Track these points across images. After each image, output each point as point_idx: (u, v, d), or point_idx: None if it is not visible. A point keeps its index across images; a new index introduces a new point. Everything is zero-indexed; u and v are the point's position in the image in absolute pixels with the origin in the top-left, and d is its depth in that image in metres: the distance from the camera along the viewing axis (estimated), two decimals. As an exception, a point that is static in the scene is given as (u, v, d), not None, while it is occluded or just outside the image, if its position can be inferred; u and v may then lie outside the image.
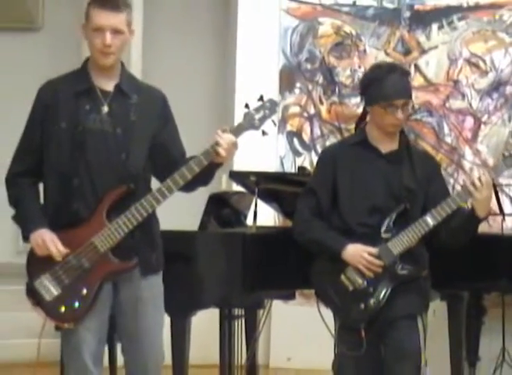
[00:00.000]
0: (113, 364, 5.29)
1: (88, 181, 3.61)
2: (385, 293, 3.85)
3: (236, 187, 6.14)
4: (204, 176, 3.69)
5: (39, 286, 3.62)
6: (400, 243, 3.86)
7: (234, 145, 3.62)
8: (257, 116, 3.66)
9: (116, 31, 3.64)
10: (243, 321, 6.17)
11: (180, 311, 4.82)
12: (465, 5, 7.20)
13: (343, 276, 3.92)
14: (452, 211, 3.84)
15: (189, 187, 3.73)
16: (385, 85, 3.93)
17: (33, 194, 3.74)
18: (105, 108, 3.65)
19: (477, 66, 7.18)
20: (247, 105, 3.68)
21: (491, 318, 6.40)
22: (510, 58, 7.13)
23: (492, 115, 7.14)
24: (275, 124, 3.73)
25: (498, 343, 6.04)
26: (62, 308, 3.61)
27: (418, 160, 4.02)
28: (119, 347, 3.95)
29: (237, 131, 3.66)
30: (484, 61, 7.18)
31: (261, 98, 3.70)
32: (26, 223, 3.70)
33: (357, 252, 3.87)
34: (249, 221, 5.68)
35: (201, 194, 5.63)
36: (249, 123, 3.66)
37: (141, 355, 3.77)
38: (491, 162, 7.05)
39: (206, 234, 5.30)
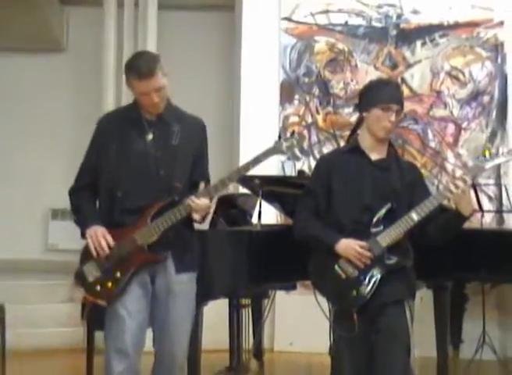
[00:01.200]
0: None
1: (129, 194, 3.83)
2: (375, 281, 3.87)
3: (242, 190, 6.16)
4: None
5: (85, 269, 3.86)
6: (387, 236, 3.88)
7: (206, 209, 3.83)
8: (285, 144, 3.87)
9: (157, 90, 3.81)
10: (250, 310, 6.19)
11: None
12: (446, 23, 7.21)
13: (336, 266, 3.94)
14: (434, 207, 3.85)
15: None
16: (383, 91, 3.99)
17: (91, 202, 3.97)
18: (150, 136, 3.86)
19: (457, 78, 7.18)
20: (279, 136, 3.93)
21: (472, 305, 6.43)
22: (487, 71, 7.14)
23: (472, 122, 7.15)
24: (299, 156, 3.98)
25: (479, 327, 6.05)
26: (98, 287, 3.83)
27: (405, 168, 4.06)
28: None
29: (266, 154, 3.84)
30: (463, 73, 7.19)
31: (292, 133, 3.94)
32: (83, 222, 3.92)
33: (348, 245, 3.89)
34: (254, 220, 5.69)
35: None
36: (277, 149, 3.87)
37: (170, 343, 3.89)
38: (471, 164, 7.05)
39: (216, 232, 5.32)
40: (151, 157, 3.83)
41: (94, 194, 3.96)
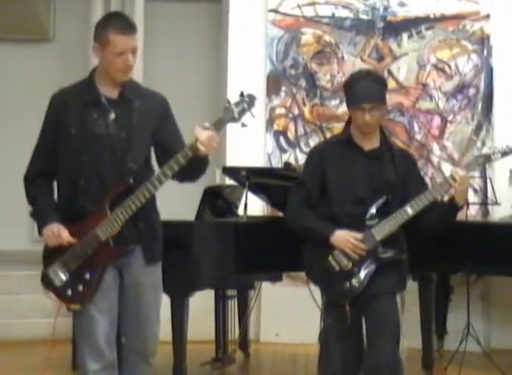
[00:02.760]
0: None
1: (93, 181, 3.61)
2: (368, 274, 3.85)
3: (229, 181, 6.16)
4: (193, 169, 3.64)
5: (51, 273, 3.64)
6: (382, 229, 3.86)
7: (214, 140, 3.54)
8: (236, 110, 3.58)
9: (134, 50, 3.63)
10: (236, 301, 6.20)
11: (179, 292, 4.84)
12: (432, 16, 7.22)
13: (330, 258, 3.90)
14: (429, 202, 3.83)
15: (179, 178, 3.69)
16: (355, 90, 3.94)
17: (48, 192, 3.75)
18: (112, 115, 3.64)
19: (443, 70, 7.19)
20: (228, 101, 3.64)
21: (457, 296, 6.45)
22: (473, 64, 7.15)
23: (457, 114, 7.16)
24: (253, 116, 3.64)
25: (463, 318, 6.06)
26: (69, 292, 3.62)
27: (398, 157, 4.01)
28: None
29: (218, 124, 3.59)
30: (449, 66, 7.19)
31: (241, 94, 3.65)
32: (39, 219, 3.71)
33: (343, 237, 3.86)
34: (240, 211, 5.70)
35: (198, 188, 5.65)
36: (229, 116, 3.59)
37: (141, 333, 3.75)
38: (456, 156, 7.08)
39: (202, 223, 5.32)
40: (115, 139, 3.61)
41: (51, 180, 3.75)
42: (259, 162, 7.13)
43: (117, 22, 3.61)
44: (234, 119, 3.59)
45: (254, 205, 5.94)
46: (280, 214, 6.06)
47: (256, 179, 5.52)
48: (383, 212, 3.88)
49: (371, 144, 4.01)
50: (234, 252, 5.04)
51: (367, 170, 3.94)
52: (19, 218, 7.98)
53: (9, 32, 7.98)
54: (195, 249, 4.91)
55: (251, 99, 3.63)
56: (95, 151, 3.61)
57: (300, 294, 6.77)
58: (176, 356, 5.05)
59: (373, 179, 3.93)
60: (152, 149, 3.78)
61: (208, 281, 5.10)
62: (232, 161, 6.81)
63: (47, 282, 3.65)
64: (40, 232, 3.69)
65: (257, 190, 5.74)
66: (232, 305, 6.11)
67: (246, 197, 5.51)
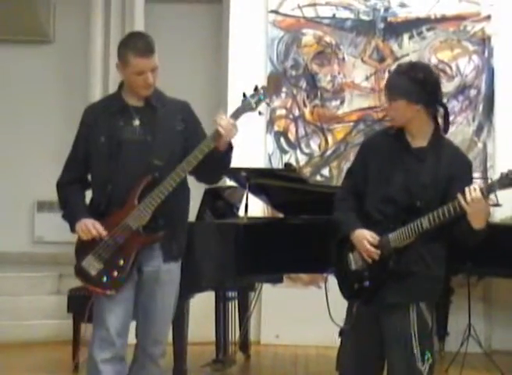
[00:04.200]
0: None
1: (121, 186, 3.79)
2: (376, 279, 3.70)
3: (229, 182, 6.16)
4: (219, 159, 3.89)
5: (85, 265, 3.80)
6: (398, 237, 3.64)
7: (233, 126, 3.80)
8: (253, 101, 3.85)
9: (154, 69, 3.82)
10: (237, 302, 6.20)
11: (180, 294, 4.83)
12: (433, 17, 7.22)
13: (350, 255, 3.80)
14: (445, 218, 3.52)
15: (211, 173, 3.98)
16: None
17: (79, 196, 3.93)
18: (136, 122, 3.83)
19: (444, 71, 7.19)
20: (244, 95, 3.87)
21: (458, 297, 6.45)
22: (474, 65, 7.16)
23: (458, 115, 7.16)
24: (269, 105, 3.94)
25: (464, 319, 6.07)
26: (104, 278, 3.78)
27: (446, 159, 3.74)
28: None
29: (236, 114, 3.84)
30: (450, 67, 7.20)
31: (255, 88, 3.89)
32: (71, 216, 3.88)
33: (359, 238, 3.71)
34: (241, 212, 5.70)
35: (198, 189, 5.65)
36: (247, 107, 3.84)
37: (154, 332, 3.90)
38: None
39: (203, 225, 5.32)
40: (141, 144, 3.80)
41: (82, 186, 3.94)
42: (259, 162, 7.14)
43: (136, 44, 3.79)
44: (252, 109, 3.86)
45: (254, 206, 5.94)
46: (281, 215, 6.06)
47: (256, 180, 5.52)
48: (410, 218, 3.64)
49: (419, 141, 3.76)
50: (235, 254, 5.05)
51: (405, 169, 3.72)
52: (19, 220, 8.03)
53: (10, 33, 8.01)
54: (196, 250, 4.91)
55: (265, 91, 3.89)
56: (122, 158, 3.81)
57: (301, 296, 6.80)
58: (176, 358, 5.05)
59: (407, 180, 3.70)
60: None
61: (209, 283, 5.10)
62: (232, 162, 6.80)
63: (82, 274, 3.82)
64: (72, 229, 3.86)
65: (258, 191, 5.74)
66: (233, 307, 6.11)
67: (246, 198, 5.51)
